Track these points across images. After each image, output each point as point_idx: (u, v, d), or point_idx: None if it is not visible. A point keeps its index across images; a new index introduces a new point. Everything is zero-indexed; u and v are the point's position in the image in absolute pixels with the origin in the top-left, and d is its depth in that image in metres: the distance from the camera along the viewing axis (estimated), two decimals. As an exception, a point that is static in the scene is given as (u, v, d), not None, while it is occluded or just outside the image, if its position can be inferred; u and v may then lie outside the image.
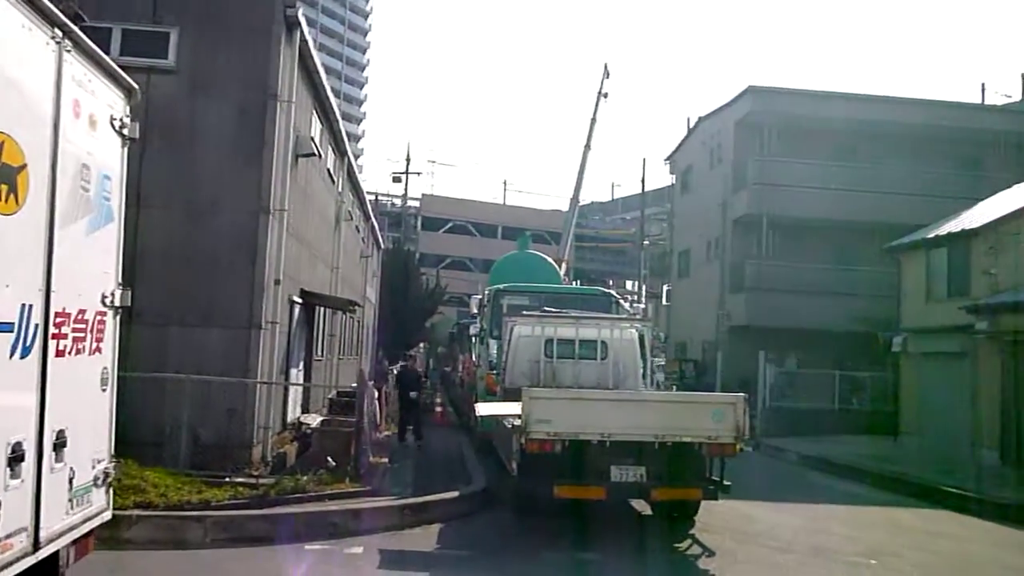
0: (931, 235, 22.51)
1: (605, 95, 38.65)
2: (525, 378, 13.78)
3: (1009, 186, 25.05)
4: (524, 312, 15.62)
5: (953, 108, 32.56)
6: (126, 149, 5.63)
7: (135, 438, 11.20)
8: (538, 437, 9.72)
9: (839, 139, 31.09)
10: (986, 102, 40.05)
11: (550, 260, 28.97)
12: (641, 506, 12.14)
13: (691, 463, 10.47)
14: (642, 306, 32.89)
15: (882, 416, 24.84)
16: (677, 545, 10.45)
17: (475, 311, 20.79)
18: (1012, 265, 19.74)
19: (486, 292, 20.12)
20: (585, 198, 53.68)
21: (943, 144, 31.22)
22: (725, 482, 10.49)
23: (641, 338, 15.03)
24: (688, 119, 39.71)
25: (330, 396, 17.53)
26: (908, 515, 13.86)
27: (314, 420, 15.25)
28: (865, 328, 26.90)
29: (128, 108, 5.63)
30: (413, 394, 18.26)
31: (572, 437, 9.85)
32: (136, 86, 5.72)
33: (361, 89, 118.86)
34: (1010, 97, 41.98)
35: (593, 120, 38.37)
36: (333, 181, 20.26)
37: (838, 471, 18.62)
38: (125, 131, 5.56)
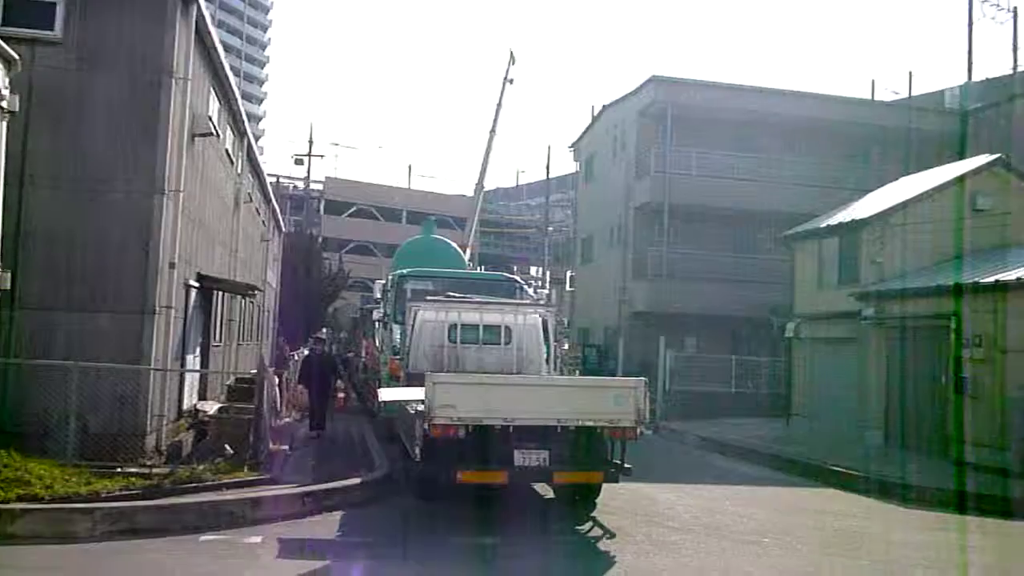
0: (823, 225, 23.34)
1: (511, 80, 38.81)
2: (429, 363, 13.73)
3: (896, 178, 26.21)
4: (428, 297, 15.53)
5: (846, 103, 33.73)
6: (4, 123, 5.34)
7: (18, 428, 10.70)
8: (441, 422, 9.69)
9: (739, 130, 31.88)
10: (876, 98, 41.79)
11: (454, 245, 28.93)
12: (544, 490, 12.27)
13: (593, 447, 10.63)
14: (546, 292, 33.16)
15: (776, 399, 25.74)
16: (579, 527, 10.60)
17: (378, 296, 20.58)
18: (898, 254, 20.67)
19: (390, 277, 19.92)
20: (490, 184, 53.84)
21: (837, 137, 32.40)
22: (626, 465, 10.67)
23: (544, 323, 15.13)
24: (592, 107, 40.08)
25: (228, 383, 17.10)
26: (797, 494, 14.40)
27: (212, 407, 14.84)
28: (761, 314, 27.81)
29: (7, 80, 5.34)
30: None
31: (475, 422, 9.86)
32: (16, 56, 5.42)
33: (262, 68, 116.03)
34: (898, 94, 44.01)
35: (499, 105, 38.49)
36: (232, 162, 19.69)
37: (734, 452, 19.22)
38: (3, 104, 5.28)
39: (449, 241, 28.97)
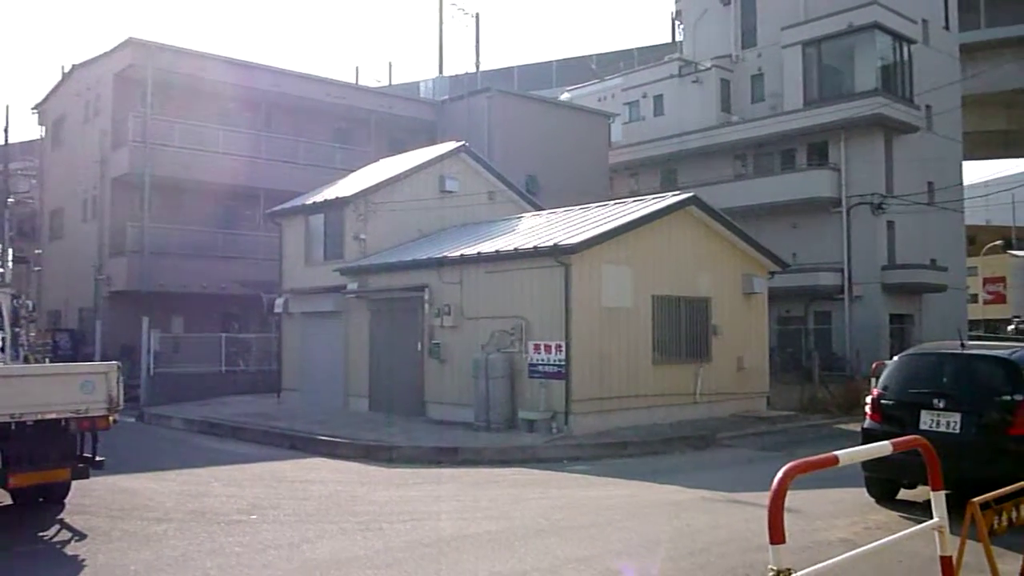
0: (310, 202, 23.85)
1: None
2: None
3: (376, 160, 27.80)
4: None
5: (331, 85, 34.60)
6: None
7: None
8: None
9: (225, 103, 31.08)
10: (360, 83, 43.96)
11: None
12: (2, 496, 10.73)
13: (58, 441, 9.59)
14: (1, 271, 29.09)
15: (268, 375, 25.85)
16: (43, 534, 9.42)
17: None
18: (380, 231, 22.03)
19: None
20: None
21: (323, 117, 33.30)
22: (98, 458, 9.85)
23: (-1, 307, 13.23)
24: (63, 66, 35.95)
25: None
26: (287, 467, 14.54)
27: None
28: (252, 291, 27.64)
29: None
30: None
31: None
32: None
33: None
34: (380, 82, 47.11)
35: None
36: None
37: (222, 432, 18.82)
38: None
39: None
